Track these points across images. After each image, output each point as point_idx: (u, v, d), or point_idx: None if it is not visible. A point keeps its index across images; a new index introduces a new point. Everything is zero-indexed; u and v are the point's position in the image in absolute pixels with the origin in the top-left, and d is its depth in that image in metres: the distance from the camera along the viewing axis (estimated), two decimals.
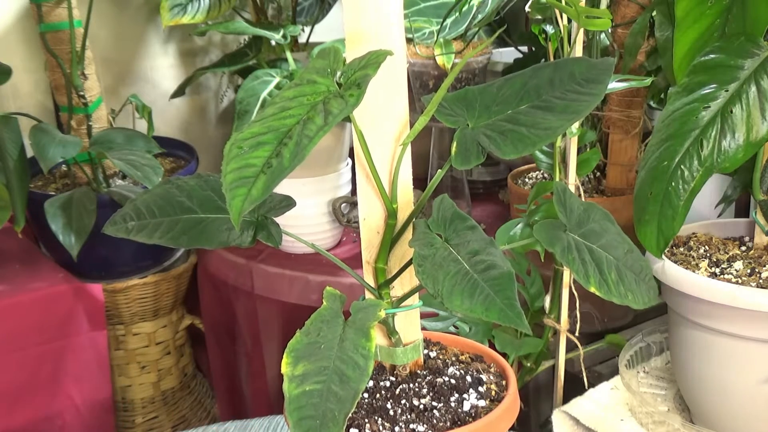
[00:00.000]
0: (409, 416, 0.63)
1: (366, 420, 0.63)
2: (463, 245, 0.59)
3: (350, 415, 0.62)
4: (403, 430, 0.62)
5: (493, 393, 0.66)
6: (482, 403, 0.65)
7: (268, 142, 0.52)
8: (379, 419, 0.63)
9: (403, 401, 0.65)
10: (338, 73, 0.57)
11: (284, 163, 0.51)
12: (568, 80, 0.63)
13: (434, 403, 0.64)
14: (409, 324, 0.69)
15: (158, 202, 0.69)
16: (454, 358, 0.72)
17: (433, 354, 0.73)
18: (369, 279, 0.67)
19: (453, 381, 0.67)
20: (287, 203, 0.71)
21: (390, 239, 0.65)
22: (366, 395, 0.67)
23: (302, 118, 0.53)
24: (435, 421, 0.62)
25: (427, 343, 0.75)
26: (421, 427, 0.62)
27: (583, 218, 0.69)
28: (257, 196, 0.50)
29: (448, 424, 0.62)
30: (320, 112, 0.53)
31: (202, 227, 0.69)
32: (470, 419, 0.63)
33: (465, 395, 0.65)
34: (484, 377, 0.68)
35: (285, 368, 0.54)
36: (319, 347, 0.56)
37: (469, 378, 0.68)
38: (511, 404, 0.64)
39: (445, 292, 0.56)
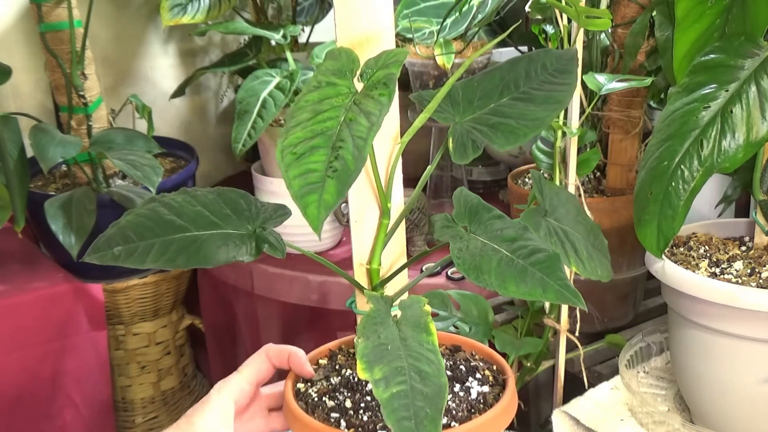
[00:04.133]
0: None
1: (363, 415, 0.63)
2: (496, 234, 0.60)
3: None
4: None
5: (491, 379, 0.66)
6: (486, 389, 0.64)
7: (321, 145, 0.52)
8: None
9: None
10: (357, 74, 0.57)
11: (349, 165, 0.51)
12: (542, 71, 0.65)
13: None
14: None
15: (146, 222, 0.63)
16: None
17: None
18: (361, 280, 0.67)
19: (449, 372, 0.66)
20: (283, 212, 0.67)
21: (384, 239, 0.64)
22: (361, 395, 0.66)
23: (341, 120, 0.53)
24: (454, 412, 0.62)
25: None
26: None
27: (555, 203, 0.72)
28: (331, 201, 0.50)
29: (465, 412, 0.62)
30: (360, 113, 0.53)
31: (198, 245, 0.63)
32: (482, 405, 0.62)
33: (467, 383, 0.65)
34: (480, 369, 0.67)
35: (364, 374, 0.53)
36: (386, 348, 0.55)
37: (462, 368, 0.67)
38: (507, 405, 0.64)
39: (495, 281, 0.57)
